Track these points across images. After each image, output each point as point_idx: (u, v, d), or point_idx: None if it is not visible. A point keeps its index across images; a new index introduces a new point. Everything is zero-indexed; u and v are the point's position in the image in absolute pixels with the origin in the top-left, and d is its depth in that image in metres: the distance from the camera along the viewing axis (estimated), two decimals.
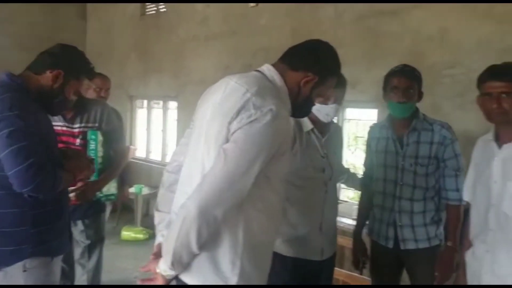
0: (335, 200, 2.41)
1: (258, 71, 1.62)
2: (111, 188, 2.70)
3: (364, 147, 4.09)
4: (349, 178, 2.78)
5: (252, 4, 4.62)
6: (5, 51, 6.00)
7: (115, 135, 2.68)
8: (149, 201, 5.57)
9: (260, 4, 4.58)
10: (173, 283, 1.55)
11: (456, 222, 2.24)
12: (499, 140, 1.96)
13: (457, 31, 3.22)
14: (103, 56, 6.56)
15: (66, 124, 2.54)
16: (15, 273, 1.82)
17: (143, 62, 6.30)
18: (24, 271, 1.82)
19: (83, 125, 2.54)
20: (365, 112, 4.01)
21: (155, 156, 6.44)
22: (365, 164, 2.58)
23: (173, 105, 6.06)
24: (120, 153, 2.74)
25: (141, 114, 6.71)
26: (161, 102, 6.31)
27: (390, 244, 2.33)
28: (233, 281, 1.48)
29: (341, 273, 3.03)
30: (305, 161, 2.21)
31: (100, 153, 2.54)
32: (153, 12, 6.31)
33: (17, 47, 6.07)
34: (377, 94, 3.67)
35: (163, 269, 1.49)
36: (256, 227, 1.52)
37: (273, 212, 1.58)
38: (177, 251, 1.45)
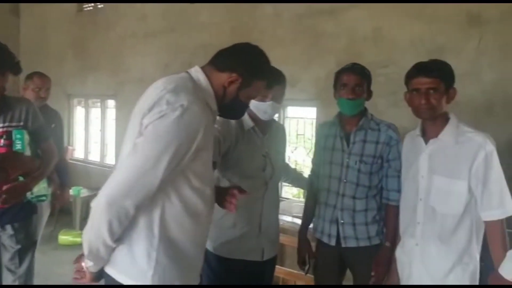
0: (276, 199, 2.39)
1: (187, 72, 1.65)
2: (41, 189, 2.56)
3: (305, 145, 4.18)
4: (295, 178, 2.77)
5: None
6: None
7: (43, 133, 2.53)
8: (88, 203, 5.34)
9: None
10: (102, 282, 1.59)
11: (395, 222, 2.25)
12: (426, 136, 2.02)
13: (391, 31, 3.31)
14: (39, 53, 6.26)
15: None
16: None
17: (81, 60, 6.05)
18: None
19: (6, 124, 2.38)
20: (306, 110, 4.05)
21: (94, 157, 6.20)
22: (313, 162, 2.57)
23: (111, 104, 5.87)
24: (48, 152, 2.59)
25: (79, 113, 6.45)
26: (99, 101, 6.10)
27: (333, 242, 2.33)
28: (149, 273, 1.51)
29: (281, 271, 3.05)
30: (245, 160, 2.20)
31: (28, 153, 2.41)
32: (90, 8, 6.06)
33: None
34: (316, 92, 3.75)
35: (86, 263, 1.54)
36: (174, 223, 1.55)
37: (194, 211, 1.59)
38: (93, 244, 1.50)
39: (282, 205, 2.77)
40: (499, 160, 1.86)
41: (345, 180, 2.30)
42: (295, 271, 2.96)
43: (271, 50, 3.89)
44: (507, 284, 1.76)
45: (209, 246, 2.27)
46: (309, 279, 2.69)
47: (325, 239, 2.36)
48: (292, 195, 4.41)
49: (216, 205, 2.24)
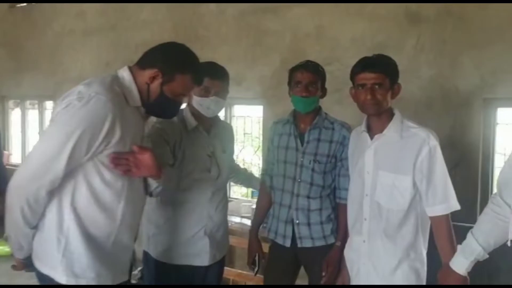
0: (224, 201, 2.33)
1: (116, 72, 1.73)
2: None
3: (253, 143, 4.17)
4: (246, 178, 2.73)
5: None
6: None
7: None
8: None
9: None
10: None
11: (346, 221, 2.24)
12: (371, 131, 2.03)
13: (332, 28, 3.35)
14: None
15: None
16: None
17: (15, 59, 5.71)
18: None
19: None
20: (252, 108, 4.04)
21: None
22: (266, 161, 2.53)
23: (50, 105, 5.56)
24: None
25: (15, 115, 6.08)
26: (36, 102, 5.81)
27: (288, 243, 2.30)
28: (58, 258, 1.58)
29: (231, 272, 3.02)
30: (189, 161, 2.14)
31: None
32: (25, 4, 5.74)
33: None
34: (262, 90, 3.74)
35: (11, 251, 1.64)
36: (84, 213, 1.60)
37: (104, 204, 1.64)
38: (11, 232, 1.60)
39: (230, 205, 2.73)
40: None
41: (299, 180, 2.27)
42: (245, 272, 2.95)
43: (216, 48, 3.90)
44: (457, 278, 1.78)
45: (152, 252, 2.21)
46: (260, 279, 2.67)
47: (279, 240, 2.33)
48: (241, 194, 4.39)
49: (160, 211, 2.19)
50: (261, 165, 3.85)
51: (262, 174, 2.55)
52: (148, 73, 1.68)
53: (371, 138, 2.01)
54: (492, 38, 2.74)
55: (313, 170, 2.26)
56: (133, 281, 3.52)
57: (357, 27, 3.23)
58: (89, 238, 1.62)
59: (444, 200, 1.88)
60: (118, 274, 1.74)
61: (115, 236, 1.69)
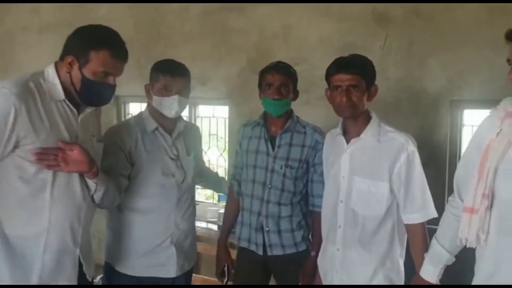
0: (192, 207, 2.26)
1: None
2: None
3: (218, 144, 4.12)
4: (216, 182, 2.64)
5: None
6: None
7: None
8: None
9: None
10: None
11: (320, 229, 2.20)
12: (347, 134, 1.97)
13: (300, 28, 3.32)
14: None
15: None
16: None
17: None
18: None
19: None
20: (217, 109, 3.99)
21: None
22: (234, 165, 2.45)
23: None
24: None
25: None
26: None
27: (260, 251, 2.24)
28: None
29: (198, 279, 2.97)
30: (150, 165, 2.06)
31: None
32: None
33: None
34: (227, 90, 3.69)
35: None
36: (5, 214, 1.63)
37: (26, 204, 1.65)
38: None
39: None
40: None
41: (269, 186, 2.22)
42: (212, 278, 2.90)
43: (179, 46, 3.82)
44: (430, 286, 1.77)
45: (113, 262, 2.12)
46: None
47: (252, 248, 2.27)
48: (205, 196, 4.32)
49: (121, 218, 2.11)
50: (227, 167, 3.83)
51: (230, 179, 2.48)
52: (65, 62, 1.68)
53: (347, 141, 1.96)
54: (460, 40, 2.79)
55: (284, 175, 2.21)
56: None
57: (325, 27, 3.22)
58: (8, 242, 1.63)
59: (422, 208, 1.86)
60: (58, 277, 1.72)
61: (46, 237, 1.67)
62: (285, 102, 2.21)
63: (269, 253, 2.24)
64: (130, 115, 4.28)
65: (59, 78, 1.69)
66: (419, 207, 1.86)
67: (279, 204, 2.22)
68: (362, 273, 1.92)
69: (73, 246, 1.78)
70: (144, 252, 2.09)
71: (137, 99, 4.06)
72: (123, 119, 4.27)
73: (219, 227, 3.23)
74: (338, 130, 2.01)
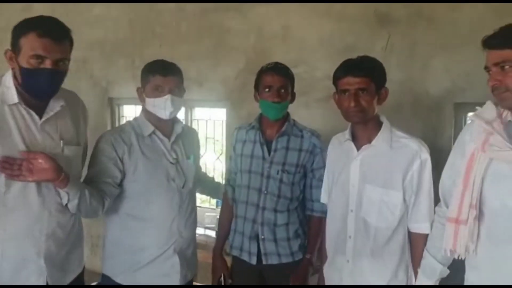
0: (194, 214, 2.21)
1: None
2: None
3: (215, 148, 4.09)
4: (213, 187, 2.59)
5: None
6: None
7: None
8: None
9: None
10: None
11: (317, 233, 2.19)
12: (356, 140, 1.92)
13: (299, 29, 3.29)
14: None
15: None
16: None
17: None
18: None
19: None
20: (215, 111, 3.96)
21: None
22: (229, 170, 2.40)
23: None
24: None
25: None
26: None
27: (254, 260, 2.19)
28: None
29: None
30: (148, 170, 2.02)
31: None
32: None
33: None
34: (225, 92, 3.66)
35: None
36: None
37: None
38: None
39: None
40: None
41: (265, 192, 2.17)
42: (204, 285, 2.87)
43: (175, 47, 3.80)
44: None
45: (111, 274, 2.08)
46: None
47: (245, 257, 2.22)
48: (200, 201, 4.28)
49: (119, 226, 2.08)
50: (224, 171, 3.77)
51: (225, 185, 2.43)
52: (7, 59, 1.70)
53: (357, 148, 1.90)
54: (464, 41, 2.76)
55: (281, 181, 2.17)
56: None
57: (325, 27, 3.20)
58: None
59: (428, 219, 1.82)
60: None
61: (2, 247, 1.67)
62: (284, 105, 2.18)
63: (264, 262, 2.20)
64: (124, 118, 4.24)
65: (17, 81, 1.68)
66: (426, 217, 1.82)
67: (275, 211, 2.19)
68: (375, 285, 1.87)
69: (36, 255, 1.76)
70: (146, 263, 2.05)
71: (131, 101, 4.03)
72: (117, 122, 4.24)
73: (217, 233, 3.19)
74: (347, 135, 1.95)
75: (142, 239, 2.05)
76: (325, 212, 2.18)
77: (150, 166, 2.05)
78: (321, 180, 2.16)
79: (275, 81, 2.15)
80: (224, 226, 2.42)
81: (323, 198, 2.15)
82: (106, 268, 2.15)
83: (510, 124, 1.53)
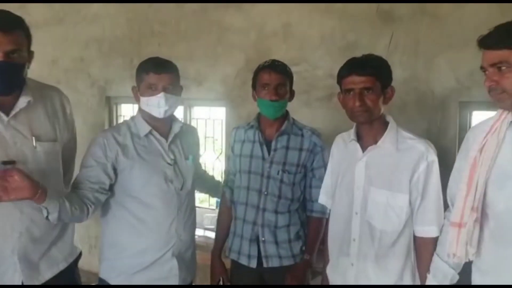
0: (193, 216, 2.18)
1: None
2: None
3: (215, 147, 4.07)
4: (213, 186, 2.57)
5: None
6: None
7: None
8: None
9: None
10: None
11: (318, 235, 2.18)
12: (361, 141, 1.89)
13: (300, 27, 3.27)
14: None
15: None
16: None
17: None
18: None
19: None
20: (214, 110, 3.96)
21: None
22: (227, 171, 2.38)
23: None
24: None
25: None
26: None
27: (253, 264, 2.17)
28: None
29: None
30: (146, 172, 1.99)
31: None
32: None
33: None
34: (225, 91, 3.64)
35: None
36: None
37: None
38: None
39: None
40: None
41: (265, 193, 2.15)
42: (206, 285, 2.86)
43: (174, 45, 3.79)
44: None
45: (107, 277, 2.07)
46: None
47: (243, 261, 2.19)
48: (199, 200, 4.24)
49: (117, 230, 2.07)
50: (223, 171, 3.75)
51: (223, 186, 2.40)
52: None
53: (362, 149, 1.88)
54: (469, 39, 2.70)
55: (281, 181, 2.14)
56: None
57: (327, 25, 3.18)
58: None
59: (435, 222, 1.79)
60: None
61: None
62: (282, 104, 2.15)
63: (265, 265, 2.18)
64: (122, 117, 4.24)
65: None
66: (433, 220, 1.80)
67: (276, 212, 2.17)
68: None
69: (10, 252, 1.78)
70: (144, 266, 2.04)
71: (129, 100, 4.01)
72: (115, 121, 4.23)
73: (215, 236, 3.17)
74: (352, 136, 1.93)
75: (139, 242, 2.03)
76: (325, 213, 2.17)
77: (146, 167, 2.02)
78: (321, 180, 2.14)
79: (272, 79, 2.12)
80: (223, 228, 2.39)
81: (322, 199, 2.12)
82: (103, 271, 2.13)
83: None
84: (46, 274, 1.90)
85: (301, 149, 2.18)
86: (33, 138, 1.82)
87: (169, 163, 2.08)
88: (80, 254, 2.15)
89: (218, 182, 2.66)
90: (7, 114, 1.75)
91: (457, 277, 1.71)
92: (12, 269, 1.80)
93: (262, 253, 2.18)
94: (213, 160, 3.95)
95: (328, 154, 2.14)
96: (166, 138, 2.11)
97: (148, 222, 2.03)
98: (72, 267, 2.05)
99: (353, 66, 1.82)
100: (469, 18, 2.74)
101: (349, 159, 1.93)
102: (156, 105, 1.99)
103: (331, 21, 3.17)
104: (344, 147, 1.99)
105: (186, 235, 2.14)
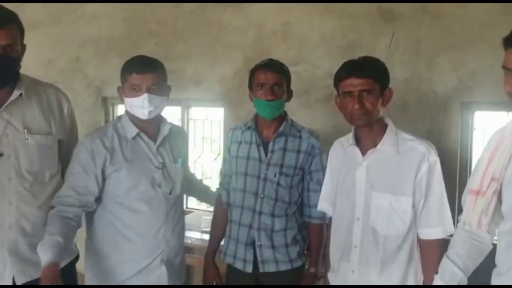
0: (182, 221, 2.16)
1: None
2: None
3: (213, 148, 4.07)
4: (201, 191, 2.53)
5: None
6: None
7: None
8: None
9: None
10: None
11: (319, 243, 2.15)
12: (361, 145, 1.87)
13: (300, 26, 3.26)
14: None
15: None
16: None
17: None
18: None
19: None
20: (212, 111, 3.95)
21: None
22: (222, 173, 2.35)
23: None
24: None
25: None
26: None
27: (249, 268, 2.14)
28: None
29: None
30: (134, 176, 1.95)
31: None
32: None
33: None
34: (223, 91, 3.63)
35: None
36: None
37: None
38: None
39: (188, 218, 2.60)
40: None
41: (262, 195, 2.12)
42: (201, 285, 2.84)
43: (171, 45, 3.78)
44: None
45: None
46: None
47: (238, 265, 2.17)
48: (197, 203, 4.22)
49: (102, 236, 2.03)
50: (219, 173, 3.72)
51: (218, 189, 2.37)
52: None
53: (362, 153, 1.86)
54: (471, 38, 2.74)
55: (278, 184, 2.12)
56: None
57: (327, 24, 3.17)
58: None
59: (439, 223, 1.77)
60: None
61: None
62: (279, 103, 2.13)
63: (261, 270, 2.15)
64: None
65: None
66: (436, 222, 1.78)
67: (272, 215, 2.14)
68: None
69: None
70: (131, 274, 2.01)
71: None
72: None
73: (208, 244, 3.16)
74: (351, 140, 1.91)
75: (126, 249, 2.00)
76: (324, 218, 2.15)
77: (133, 172, 1.98)
78: (319, 183, 2.12)
79: (268, 78, 2.10)
80: (217, 231, 2.36)
81: (323, 206, 2.09)
82: (88, 280, 2.09)
83: None
84: (39, 270, 1.88)
85: (299, 151, 2.15)
86: (25, 130, 1.83)
87: (157, 167, 2.04)
88: (78, 256, 2.14)
89: (206, 187, 2.62)
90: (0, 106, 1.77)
91: (466, 280, 1.68)
92: (2, 263, 1.80)
93: (258, 258, 2.15)
94: (212, 162, 3.94)
95: (326, 157, 2.12)
96: (155, 140, 2.07)
97: (135, 228, 1.99)
98: (70, 267, 2.04)
99: (351, 69, 1.81)
100: (470, 17, 2.74)
101: (349, 164, 1.91)
102: (140, 106, 1.96)
103: (331, 21, 3.16)
104: (342, 152, 1.97)
105: (175, 240, 2.10)
